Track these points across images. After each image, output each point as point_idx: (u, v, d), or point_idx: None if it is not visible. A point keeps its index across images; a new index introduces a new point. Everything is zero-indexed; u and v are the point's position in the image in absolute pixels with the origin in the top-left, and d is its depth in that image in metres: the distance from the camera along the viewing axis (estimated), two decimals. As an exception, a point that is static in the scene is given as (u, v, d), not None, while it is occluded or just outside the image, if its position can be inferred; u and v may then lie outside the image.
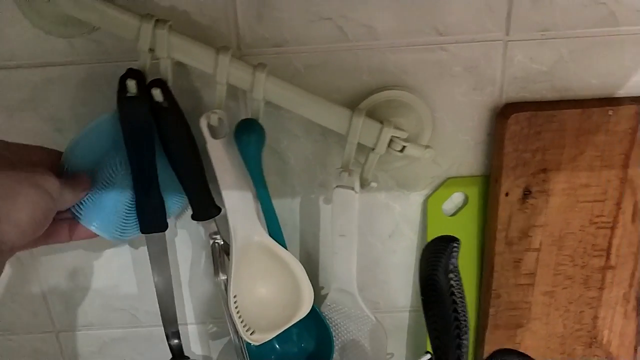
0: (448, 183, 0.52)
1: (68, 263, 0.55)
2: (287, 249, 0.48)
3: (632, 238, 0.51)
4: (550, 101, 0.47)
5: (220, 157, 0.44)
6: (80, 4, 0.41)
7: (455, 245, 0.41)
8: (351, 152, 0.45)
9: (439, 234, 0.53)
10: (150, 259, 0.48)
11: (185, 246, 0.55)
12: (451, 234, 0.53)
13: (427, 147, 0.46)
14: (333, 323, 0.52)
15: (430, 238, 0.53)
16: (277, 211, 0.52)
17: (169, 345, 0.51)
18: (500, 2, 0.44)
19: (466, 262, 0.54)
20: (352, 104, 0.46)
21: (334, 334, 0.52)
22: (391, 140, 0.44)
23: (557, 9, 0.44)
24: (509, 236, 0.51)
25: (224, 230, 0.48)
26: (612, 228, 0.50)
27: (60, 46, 0.46)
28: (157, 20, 0.42)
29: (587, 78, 0.47)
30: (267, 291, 0.49)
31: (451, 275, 0.41)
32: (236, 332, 0.49)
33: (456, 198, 0.53)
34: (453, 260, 0.41)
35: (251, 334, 0.47)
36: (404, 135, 0.45)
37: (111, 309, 0.58)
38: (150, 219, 0.46)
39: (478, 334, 0.56)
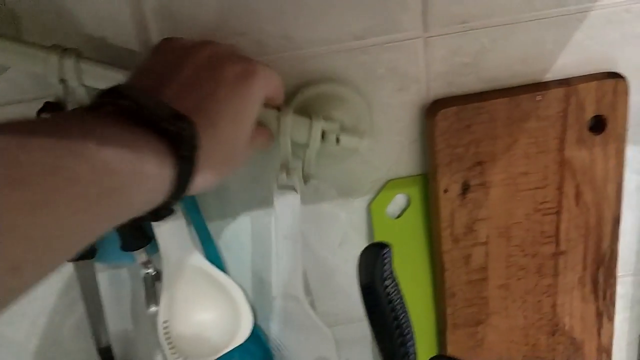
0: (389, 185, 0.50)
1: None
2: (225, 272, 0.45)
3: (578, 221, 0.49)
4: (476, 93, 0.46)
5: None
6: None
7: (386, 251, 0.39)
8: (286, 152, 0.42)
9: (386, 239, 0.51)
10: (80, 288, 0.47)
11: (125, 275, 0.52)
12: (398, 237, 0.51)
13: (363, 135, 0.43)
14: (284, 336, 0.49)
15: (378, 243, 0.51)
16: (222, 234, 0.49)
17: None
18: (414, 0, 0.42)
19: (418, 264, 0.52)
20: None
21: (285, 346, 0.49)
22: (324, 133, 0.42)
23: (472, -1, 0.42)
24: (455, 233, 0.49)
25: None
26: (558, 213, 0.48)
27: (-26, 90, 0.44)
28: (64, 50, 0.39)
29: (513, 65, 0.45)
30: (204, 316, 0.47)
31: (387, 282, 0.38)
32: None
33: (399, 200, 0.51)
34: (387, 267, 0.39)
35: None
36: (335, 126, 0.42)
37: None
38: None
39: (439, 335, 0.54)
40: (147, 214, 0.28)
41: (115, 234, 0.46)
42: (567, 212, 0.48)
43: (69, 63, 0.39)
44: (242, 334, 0.46)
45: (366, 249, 0.42)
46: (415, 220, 0.51)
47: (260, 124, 0.40)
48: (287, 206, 0.44)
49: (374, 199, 0.50)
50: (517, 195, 0.48)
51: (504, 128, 0.45)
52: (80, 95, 0.41)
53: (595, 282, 0.51)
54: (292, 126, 0.41)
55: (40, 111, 0.41)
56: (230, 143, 0.32)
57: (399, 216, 0.51)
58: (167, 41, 0.36)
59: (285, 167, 0.43)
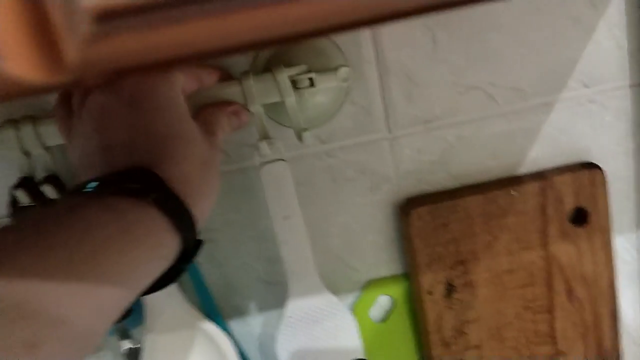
0: (370, 286, 0.47)
1: None
2: (219, 317, 0.42)
3: (574, 318, 0.45)
4: (450, 190, 0.44)
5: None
6: None
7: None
8: (261, 118, 0.38)
9: (372, 344, 0.48)
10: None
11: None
12: (385, 342, 0.48)
13: (338, 67, 0.38)
14: (297, 341, 0.44)
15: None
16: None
17: None
18: (375, 104, 0.42)
19: (407, 371, 0.48)
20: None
21: (300, 355, 0.44)
22: (295, 81, 0.38)
23: (433, 100, 0.42)
24: (444, 337, 0.45)
25: None
26: (550, 311, 0.45)
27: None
28: (17, 121, 0.38)
29: (483, 161, 0.44)
30: None
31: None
32: None
33: (383, 301, 0.48)
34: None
35: None
36: (301, 69, 0.38)
37: None
38: None
39: None
40: (165, 276, 0.27)
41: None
42: (560, 309, 0.45)
43: (27, 132, 0.38)
44: None
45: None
46: (401, 323, 0.47)
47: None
48: (277, 179, 0.40)
49: (356, 302, 0.47)
50: (505, 294, 0.44)
51: (482, 225, 0.43)
52: (46, 162, 0.39)
53: (603, 385, 0.47)
54: (258, 89, 0.37)
55: (16, 187, 0.40)
56: (191, 151, 0.30)
57: (384, 319, 0.48)
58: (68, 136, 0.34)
59: (265, 136, 0.38)
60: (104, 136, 0.30)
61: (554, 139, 0.43)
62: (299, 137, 0.39)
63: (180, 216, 0.27)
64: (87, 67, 0.14)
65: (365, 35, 0.41)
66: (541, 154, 0.44)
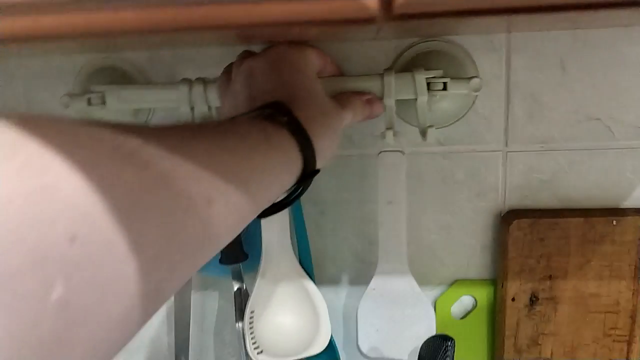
0: (457, 285, 0.51)
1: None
2: (313, 278, 0.48)
3: (652, 355, 0.47)
4: (552, 209, 0.47)
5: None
6: (123, 99, 0.46)
7: (449, 344, 0.40)
8: (392, 111, 0.43)
9: (448, 337, 0.51)
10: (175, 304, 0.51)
11: (213, 295, 0.56)
12: (459, 338, 0.51)
13: (470, 77, 0.42)
14: (377, 314, 0.49)
15: (439, 340, 0.52)
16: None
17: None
18: (497, 117, 0.46)
19: (476, 369, 0.51)
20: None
21: (377, 327, 0.50)
22: (430, 84, 0.42)
23: (553, 123, 0.45)
24: (518, 343, 0.48)
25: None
26: (629, 343, 0.47)
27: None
28: (192, 81, 0.45)
29: (590, 188, 0.46)
30: (286, 318, 0.48)
31: (446, 376, 0.39)
32: (246, 354, 0.47)
33: (465, 301, 0.51)
34: (448, 359, 0.39)
35: (258, 353, 0.46)
36: (438, 73, 0.43)
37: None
38: None
39: None
40: (281, 202, 0.33)
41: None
42: (639, 343, 0.46)
43: (198, 91, 0.45)
44: (319, 344, 0.47)
45: (431, 338, 0.43)
46: (479, 324, 0.51)
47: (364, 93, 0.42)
48: (391, 168, 0.45)
49: (440, 296, 0.51)
50: (586, 316, 0.47)
51: (577, 247, 0.46)
52: (208, 119, 0.46)
53: None
54: (397, 84, 0.42)
55: None
56: (314, 102, 0.36)
57: (463, 317, 0.51)
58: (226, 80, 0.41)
59: (391, 127, 0.43)
60: (251, 90, 0.37)
61: (664, 180, 0.45)
62: (423, 134, 0.44)
63: (302, 139, 0.32)
64: (408, 8, 0.22)
65: (499, 53, 0.45)
66: (648, 192, 0.46)
